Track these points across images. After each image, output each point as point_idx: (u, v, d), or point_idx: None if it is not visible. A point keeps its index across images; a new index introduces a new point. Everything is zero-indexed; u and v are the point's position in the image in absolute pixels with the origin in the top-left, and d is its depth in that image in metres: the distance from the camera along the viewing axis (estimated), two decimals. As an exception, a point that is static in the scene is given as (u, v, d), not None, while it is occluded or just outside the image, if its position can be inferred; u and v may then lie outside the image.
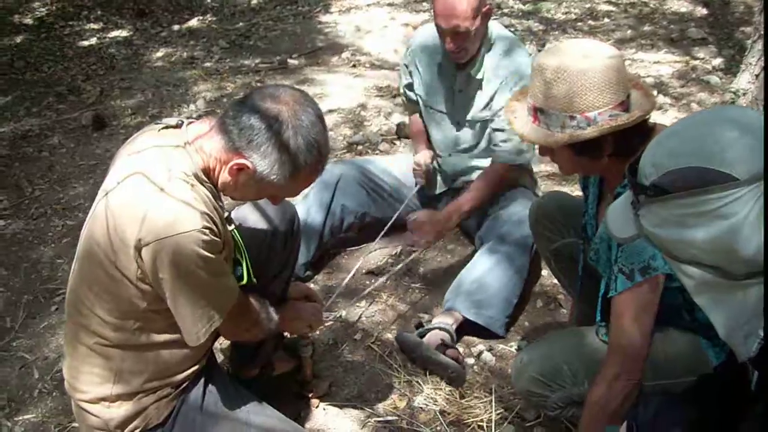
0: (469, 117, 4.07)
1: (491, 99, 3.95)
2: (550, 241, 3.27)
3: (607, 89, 2.42)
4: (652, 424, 2.01)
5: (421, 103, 4.25)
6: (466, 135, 4.13)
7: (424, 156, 4.23)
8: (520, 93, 2.75)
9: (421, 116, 4.35)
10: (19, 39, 8.13)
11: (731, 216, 1.52)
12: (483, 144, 4.13)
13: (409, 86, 4.31)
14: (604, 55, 2.46)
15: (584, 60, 2.43)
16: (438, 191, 4.38)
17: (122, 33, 8.25)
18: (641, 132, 2.48)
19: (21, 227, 4.86)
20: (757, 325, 1.59)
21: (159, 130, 2.51)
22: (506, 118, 2.73)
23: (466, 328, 3.72)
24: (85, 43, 8.03)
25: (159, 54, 7.68)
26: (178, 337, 2.49)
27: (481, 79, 3.97)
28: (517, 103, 2.69)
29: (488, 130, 4.05)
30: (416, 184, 4.23)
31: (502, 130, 3.92)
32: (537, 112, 2.53)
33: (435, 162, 4.32)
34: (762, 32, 5.61)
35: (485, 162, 4.15)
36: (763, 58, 5.60)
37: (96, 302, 2.46)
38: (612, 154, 2.51)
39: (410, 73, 4.26)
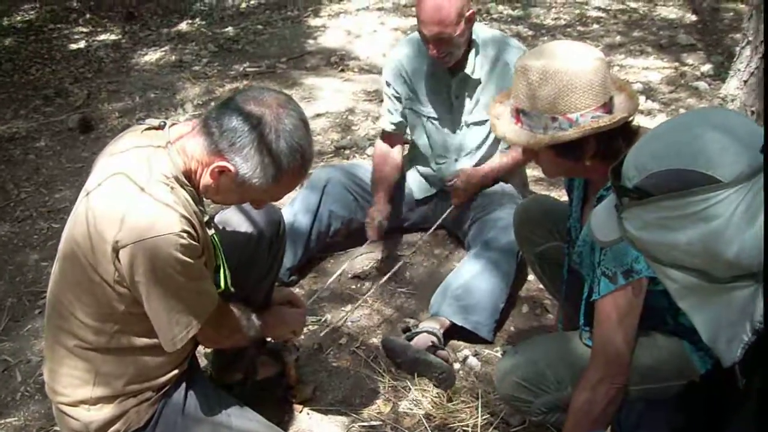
0: (473, 119, 4.07)
1: (497, 93, 3.95)
2: (534, 244, 3.26)
3: (589, 91, 2.41)
4: (635, 430, 2.00)
5: (412, 113, 4.22)
6: (470, 138, 4.12)
7: (380, 212, 4.15)
8: (503, 95, 2.74)
9: (403, 141, 4.37)
10: (7, 41, 8.11)
11: (714, 218, 1.51)
12: (488, 144, 4.12)
13: (398, 99, 4.25)
14: (587, 57, 2.45)
15: (567, 62, 2.42)
16: (425, 195, 4.36)
17: (111, 36, 8.24)
18: (625, 134, 2.47)
19: (6, 230, 4.84)
20: (741, 330, 1.58)
21: (141, 132, 2.49)
22: (489, 120, 2.72)
23: (452, 333, 3.70)
24: (74, 46, 8.01)
25: (147, 57, 7.67)
26: (159, 341, 2.47)
27: (479, 79, 3.98)
28: (500, 105, 2.68)
29: None
30: (368, 238, 4.18)
31: None
32: (519, 113, 2.52)
33: (419, 169, 4.33)
34: (750, 38, 5.62)
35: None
36: (752, 64, 5.61)
37: (75, 305, 2.44)
38: (595, 157, 2.50)
39: (393, 87, 4.22)
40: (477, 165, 4.18)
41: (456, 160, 4.20)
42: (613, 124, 2.42)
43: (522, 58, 2.55)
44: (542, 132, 2.47)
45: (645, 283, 2.39)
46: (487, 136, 4.10)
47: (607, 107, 2.46)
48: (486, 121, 4.03)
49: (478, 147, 4.14)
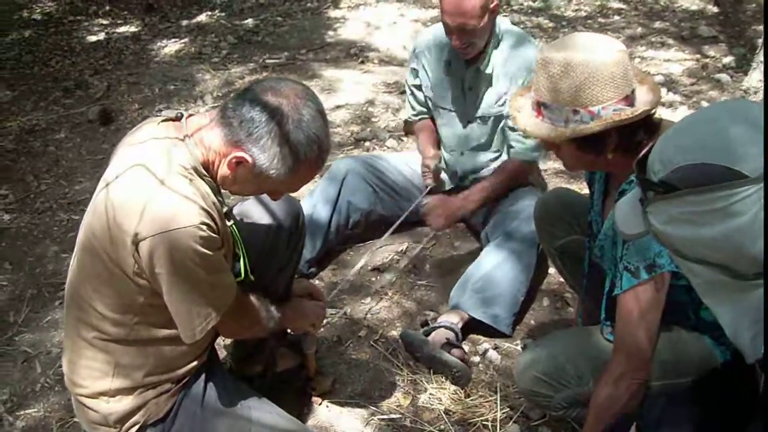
0: (479, 113, 4.05)
1: (503, 94, 3.93)
2: (555, 238, 3.25)
3: (611, 83, 2.39)
4: (657, 425, 1.98)
5: (429, 103, 4.22)
6: (478, 132, 4.10)
7: (433, 157, 4.19)
8: (524, 88, 2.72)
9: (430, 119, 4.34)
10: (27, 33, 8.12)
11: (740, 214, 1.49)
12: (496, 141, 4.10)
13: (418, 87, 4.27)
14: (608, 49, 2.43)
15: (588, 54, 2.40)
16: (445, 189, 4.34)
17: (130, 28, 8.23)
18: (646, 127, 2.45)
19: (26, 222, 4.85)
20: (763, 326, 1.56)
21: (159, 123, 2.48)
22: (510, 114, 2.70)
23: (471, 326, 3.68)
24: (93, 38, 8.01)
25: (167, 49, 7.66)
26: (178, 332, 2.47)
27: (491, 74, 3.95)
28: (521, 98, 2.66)
29: (501, 127, 4.02)
30: (426, 186, 4.20)
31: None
32: (541, 106, 2.50)
33: (443, 161, 4.30)
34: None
35: (497, 159, 4.13)
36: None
37: (95, 296, 2.44)
38: (616, 150, 2.48)
39: (417, 74, 4.23)
40: (479, 161, 4.19)
41: (462, 154, 4.20)
42: (635, 117, 2.40)
43: (543, 50, 2.53)
44: (563, 125, 2.45)
45: (668, 278, 2.37)
46: (494, 133, 4.08)
47: (629, 100, 2.43)
48: (491, 117, 4.02)
49: (485, 142, 4.13)
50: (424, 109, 4.32)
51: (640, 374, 2.44)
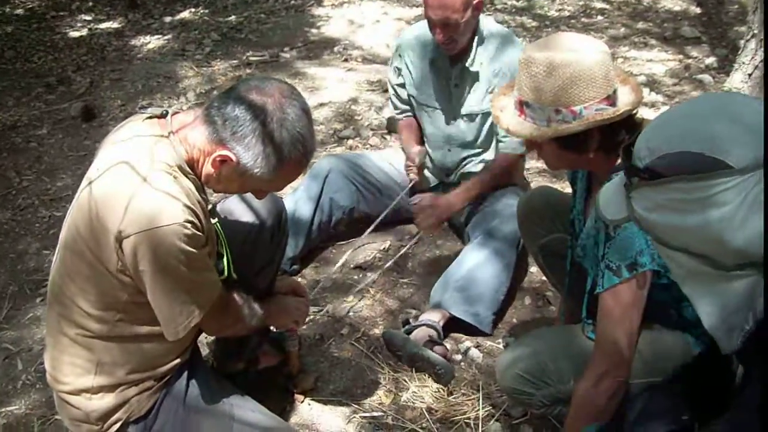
0: (465, 111, 4.05)
1: (489, 92, 3.94)
2: (537, 236, 3.25)
3: (593, 84, 2.40)
4: (640, 417, 2.00)
5: (413, 101, 4.23)
6: (464, 129, 4.11)
7: (418, 153, 4.19)
8: (506, 86, 2.73)
9: (413, 116, 4.35)
10: (9, 29, 8.09)
11: (723, 205, 1.51)
12: (482, 137, 4.10)
13: (401, 86, 4.28)
14: (591, 49, 2.44)
15: (571, 54, 2.41)
16: (429, 186, 4.35)
17: (113, 24, 8.21)
18: (628, 127, 2.46)
19: (7, 218, 4.84)
20: (742, 318, 1.58)
21: (143, 120, 2.48)
22: (492, 113, 2.71)
23: (453, 324, 3.69)
24: (76, 34, 7.99)
25: (150, 46, 7.65)
26: (161, 329, 2.46)
27: (477, 72, 3.96)
28: (504, 97, 2.67)
29: (488, 123, 4.02)
30: (410, 181, 4.20)
31: None
32: (523, 105, 2.51)
33: (428, 158, 4.30)
34: (755, 31, 5.61)
35: (482, 155, 4.14)
36: (756, 57, 5.60)
37: (78, 293, 2.44)
38: (598, 149, 2.49)
39: (400, 72, 4.23)
40: (463, 157, 4.20)
41: (449, 150, 4.19)
42: (617, 117, 2.41)
43: (526, 49, 2.54)
44: (546, 124, 2.47)
45: (649, 276, 2.38)
46: (480, 130, 4.09)
47: (611, 100, 2.45)
48: (478, 114, 4.03)
49: (472, 139, 4.13)
50: (408, 108, 4.32)
51: (621, 372, 2.45)
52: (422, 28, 4.07)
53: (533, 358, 2.77)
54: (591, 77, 2.40)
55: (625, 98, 2.50)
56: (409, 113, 4.35)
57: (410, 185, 4.20)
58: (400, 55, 4.21)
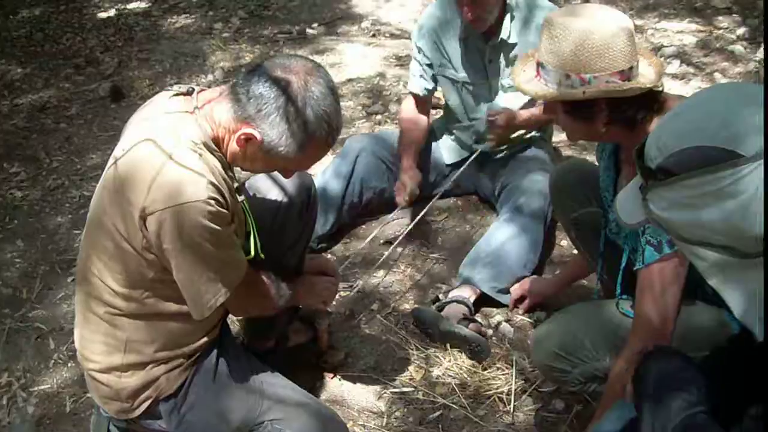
0: (509, 83, 4.00)
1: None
2: (571, 210, 3.21)
3: (606, 54, 2.39)
4: (655, 395, 1.97)
5: (445, 79, 4.17)
6: (506, 101, 4.06)
7: (412, 177, 4.07)
8: (534, 50, 2.71)
9: (431, 106, 4.33)
10: (37, 11, 8.09)
11: (739, 194, 1.49)
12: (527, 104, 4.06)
13: (429, 66, 4.18)
14: (612, 21, 2.44)
15: (591, 22, 2.42)
16: (456, 159, 4.33)
17: (141, 4, 8.19)
18: (641, 105, 2.44)
19: (38, 198, 4.86)
20: None
21: (170, 97, 2.47)
22: (513, 69, 2.72)
23: (484, 299, 3.68)
24: (104, 14, 7.98)
25: (177, 25, 7.63)
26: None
27: (515, 44, 3.92)
28: (529, 59, 2.67)
29: None
30: (396, 204, 4.12)
31: None
32: (539, 66, 2.52)
33: (454, 133, 4.31)
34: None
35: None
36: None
37: (105, 271, 2.44)
38: (610, 124, 2.48)
39: (427, 52, 4.15)
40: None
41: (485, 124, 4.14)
42: (624, 92, 2.40)
43: (553, 13, 2.56)
44: (555, 87, 2.47)
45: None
46: (524, 100, 4.03)
47: (625, 75, 2.43)
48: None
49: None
50: (430, 87, 4.24)
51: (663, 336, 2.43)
52: (442, 7, 4.05)
53: (568, 335, 2.75)
54: (606, 48, 2.39)
55: (644, 76, 2.47)
56: (431, 88, 4.26)
57: (397, 209, 4.16)
58: (425, 35, 4.13)
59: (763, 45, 5.23)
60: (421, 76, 4.22)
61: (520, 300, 3.64)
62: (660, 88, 2.48)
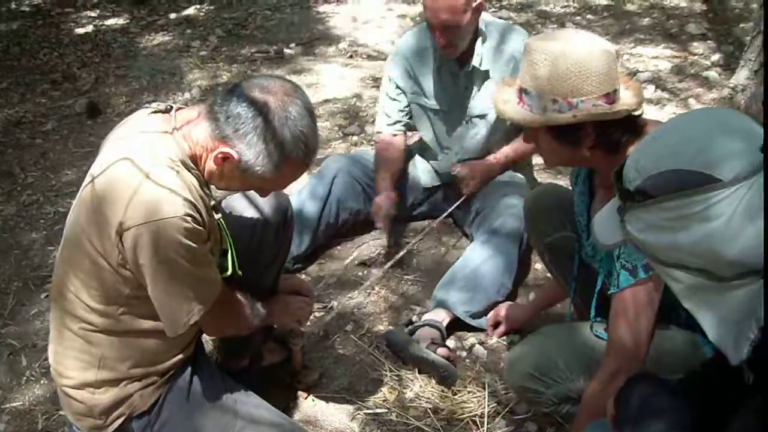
0: (478, 112, 4.03)
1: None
2: (544, 234, 3.23)
3: (593, 78, 2.39)
4: (635, 416, 1.98)
5: (418, 108, 4.19)
6: (474, 130, 4.09)
7: (385, 199, 4.07)
8: (511, 78, 2.72)
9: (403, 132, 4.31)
10: (15, 25, 8.09)
11: (715, 218, 1.51)
12: (495, 137, 4.10)
13: (401, 92, 4.20)
14: (595, 45, 2.45)
15: (575, 46, 2.42)
16: (433, 184, 4.35)
17: (119, 21, 8.20)
18: (626, 128, 2.45)
19: (12, 213, 4.84)
20: (746, 328, 1.57)
21: (148, 115, 2.48)
22: (493, 98, 2.70)
23: (457, 322, 3.68)
24: (82, 30, 7.98)
25: (155, 42, 7.64)
26: None
27: (487, 70, 3.95)
28: (507, 87, 2.66)
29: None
30: (376, 228, 4.16)
31: None
32: (522, 92, 2.51)
33: (422, 163, 4.36)
34: (761, 28, 5.58)
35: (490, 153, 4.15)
36: (762, 55, 5.57)
37: (81, 287, 2.44)
38: (595, 148, 2.48)
39: (399, 80, 4.17)
40: (480, 157, 4.15)
41: (456, 153, 4.18)
42: (613, 115, 2.41)
43: (531, 39, 2.57)
44: (541, 113, 2.46)
45: (662, 284, 2.37)
46: (494, 130, 4.06)
47: (611, 99, 2.44)
48: (486, 114, 4.02)
49: (483, 139, 4.11)
50: (403, 119, 4.24)
51: (634, 372, 2.44)
52: (418, 36, 4.08)
53: (542, 356, 2.76)
54: (592, 71, 2.39)
55: (626, 100, 2.48)
56: (402, 127, 4.27)
57: (373, 233, 4.21)
58: (399, 63, 4.16)
59: (762, 50, 5.26)
60: (386, 114, 4.25)
61: (495, 326, 3.65)
62: (641, 112, 2.50)
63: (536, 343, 2.89)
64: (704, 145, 1.55)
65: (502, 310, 3.63)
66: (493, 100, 2.67)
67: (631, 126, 2.46)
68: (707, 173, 1.51)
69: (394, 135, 4.26)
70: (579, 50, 2.40)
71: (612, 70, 2.44)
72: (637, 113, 2.48)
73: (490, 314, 3.66)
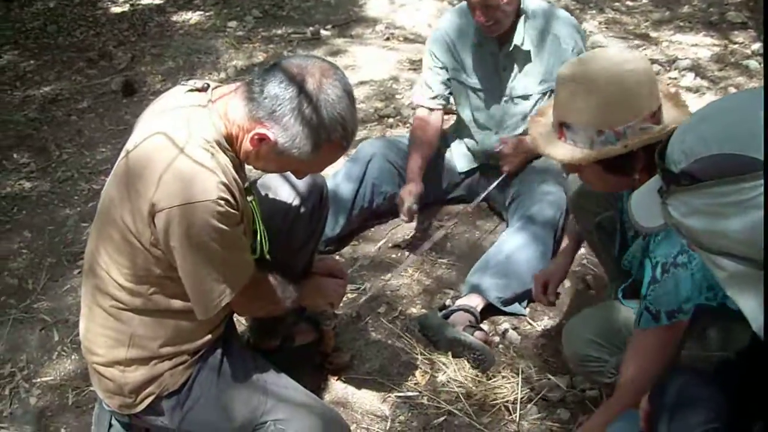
0: (519, 92, 4.00)
1: (547, 68, 3.91)
2: (592, 214, 3.15)
3: (636, 101, 2.32)
4: (673, 404, 1.95)
5: (458, 84, 4.15)
6: (515, 110, 4.06)
7: (411, 192, 3.99)
8: (544, 108, 2.63)
9: (439, 116, 4.27)
10: (51, 3, 8.09)
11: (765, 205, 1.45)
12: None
13: (442, 68, 4.16)
14: (632, 64, 2.36)
15: (611, 70, 2.33)
16: (468, 168, 4.32)
17: (155, 0, 8.20)
18: None
19: (47, 190, 4.85)
20: None
21: (185, 93, 2.46)
22: (530, 134, 2.62)
23: (491, 307, 3.65)
24: (118, 9, 7.99)
25: (191, 21, 7.63)
26: None
27: (529, 51, 3.91)
28: (542, 118, 2.58)
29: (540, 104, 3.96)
30: (402, 219, 4.06)
31: None
32: (563, 127, 2.42)
33: (465, 141, 4.30)
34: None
35: None
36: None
37: (112, 265, 2.43)
38: (643, 170, 2.39)
39: (441, 57, 4.13)
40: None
41: (497, 133, 4.13)
42: (664, 135, 2.27)
43: (565, 66, 2.46)
44: (588, 146, 2.37)
45: (686, 323, 2.31)
46: (531, 111, 4.01)
47: (656, 117, 2.36)
48: (530, 95, 3.97)
49: (522, 120, 4.07)
50: (444, 93, 4.21)
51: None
52: (460, 14, 4.05)
53: (605, 321, 2.74)
54: (634, 94, 2.32)
55: (670, 115, 2.41)
56: (442, 101, 4.24)
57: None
58: (440, 41, 4.13)
59: (763, 46, 5.19)
60: (428, 85, 4.20)
61: (545, 287, 3.54)
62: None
63: (594, 312, 2.84)
64: (755, 129, 1.48)
65: (542, 275, 3.51)
66: (531, 137, 2.58)
67: None
68: (758, 158, 1.45)
69: (433, 110, 4.22)
70: (618, 74, 2.32)
71: (653, 86, 2.37)
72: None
73: (534, 285, 3.54)
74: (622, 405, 2.39)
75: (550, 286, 3.36)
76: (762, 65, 6.21)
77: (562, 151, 2.43)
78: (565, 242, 3.50)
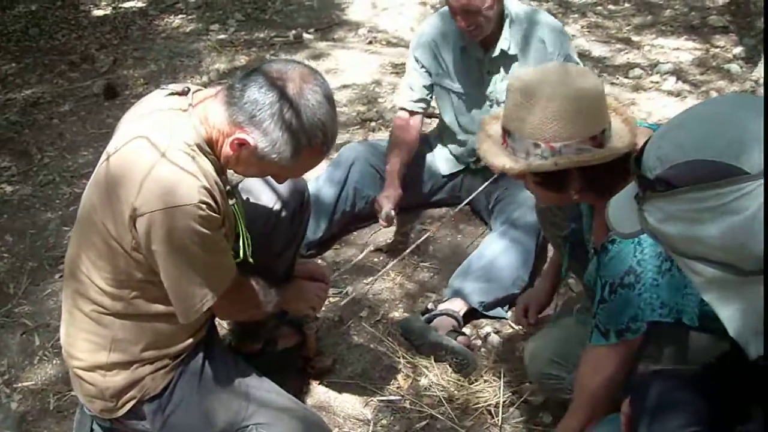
0: (504, 97, 3.97)
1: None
2: (559, 228, 3.16)
3: (576, 120, 2.27)
4: (653, 408, 1.96)
5: (441, 89, 4.16)
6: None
7: (388, 197, 3.95)
8: (498, 112, 2.61)
9: (420, 120, 4.25)
10: (33, 6, 8.07)
11: (742, 211, 1.46)
12: None
13: (426, 72, 4.15)
14: (582, 83, 2.32)
15: (559, 86, 2.29)
16: (452, 171, 4.32)
17: (137, 3, 8.18)
18: (616, 172, 2.29)
19: (28, 193, 4.83)
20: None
21: (165, 96, 2.46)
22: (477, 136, 2.59)
23: (473, 312, 3.66)
24: (100, 12, 7.97)
25: (173, 25, 7.62)
26: None
27: (515, 55, 3.93)
28: (495, 122, 2.54)
29: None
30: (381, 226, 4.05)
31: None
32: (506, 134, 2.39)
33: (449, 146, 4.30)
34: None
35: None
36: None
37: (93, 269, 2.43)
38: (583, 191, 2.38)
39: (424, 61, 4.12)
40: None
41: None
42: (596, 161, 2.28)
43: (515, 76, 2.43)
44: (524, 157, 2.33)
45: (639, 341, 2.33)
46: None
47: (598, 140, 2.30)
48: None
49: None
50: (426, 97, 4.20)
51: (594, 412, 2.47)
52: (443, 19, 4.04)
53: (564, 342, 2.76)
54: (576, 113, 2.27)
55: (617, 141, 2.35)
56: (423, 105, 4.22)
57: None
58: (423, 45, 4.12)
59: (763, 48, 5.22)
60: (410, 87, 4.20)
61: (525, 311, 3.54)
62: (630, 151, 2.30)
63: (553, 332, 2.87)
64: (731, 136, 1.50)
65: (523, 299, 3.52)
66: (477, 137, 2.56)
67: (620, 170, 2.27)
68: (734, 165, 1.46)
69: (414, 114, 4.20)
70: (563, 91, 2.28)
71: (600, 109, 2.32)
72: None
73: (516, 308, 3.56)
74: (577, 419, 2.49)
75: (530, 311, 3.37)
76: (743, 69, 6.25)
77: (498, 157, 2.40)
78: (550, 258, 3.51)
